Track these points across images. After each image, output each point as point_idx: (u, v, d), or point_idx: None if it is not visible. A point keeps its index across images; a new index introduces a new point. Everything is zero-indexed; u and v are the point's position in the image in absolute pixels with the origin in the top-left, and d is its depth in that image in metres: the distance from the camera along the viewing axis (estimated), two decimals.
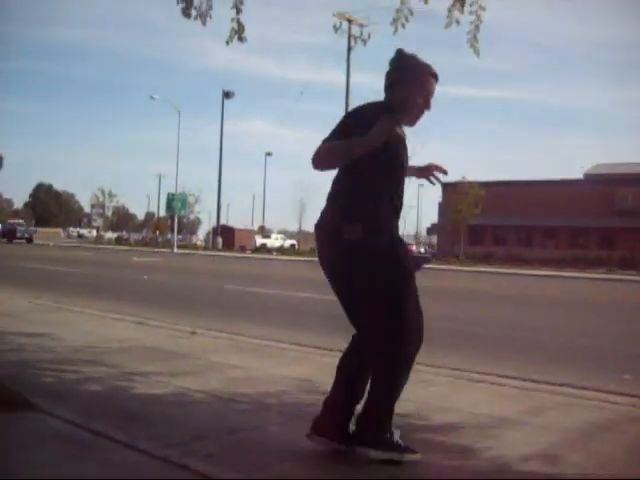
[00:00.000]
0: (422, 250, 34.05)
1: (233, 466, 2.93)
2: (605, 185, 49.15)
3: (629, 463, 3.25)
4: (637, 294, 20.17)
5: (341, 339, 7.12)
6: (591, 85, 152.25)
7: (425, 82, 3.29)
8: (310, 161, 3.17)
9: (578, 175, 55.58)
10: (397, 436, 3.12)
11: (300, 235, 72.07)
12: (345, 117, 3.33)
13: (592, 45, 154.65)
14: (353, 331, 3.29)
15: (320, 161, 3.15)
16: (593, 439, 3.62)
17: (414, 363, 3.18)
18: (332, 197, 3.29)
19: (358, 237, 3.09)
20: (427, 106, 3.30)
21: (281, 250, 56.05)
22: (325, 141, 3.19)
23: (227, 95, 56.29)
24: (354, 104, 3.41)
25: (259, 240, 63.97)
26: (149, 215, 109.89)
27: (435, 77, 3.31)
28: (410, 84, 3.26)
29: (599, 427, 3.86)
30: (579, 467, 3.10)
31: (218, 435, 3.38)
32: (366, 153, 3.05)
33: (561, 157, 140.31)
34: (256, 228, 75.98)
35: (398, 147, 3.23)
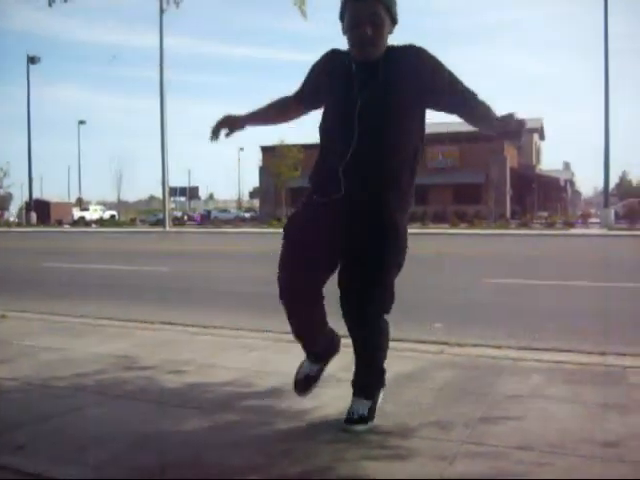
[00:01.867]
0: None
1: (46, 455, 2.80)
2: None
3: (436, 407, 3.47)
4: (445, 245, 21.48)
5: (161, 310, 7.00)
6: None
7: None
8: None
9: None
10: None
11: (120, 205, 69.87)
12: None
13: None
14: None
15: None
16: (405, 388, 3.83)
17: None
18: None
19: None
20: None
21: (101, 222, 54.16)
22: None
23: (32, 60, 53.14)
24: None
25: (77, 213, 61.48)
26: None
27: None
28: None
29: (410, 376, 4.10)
30: (393, 416, 3.27)
31: (30, 424, 3.22)
32: None
33: None
34: (73, 201, 72.74)
35: None
